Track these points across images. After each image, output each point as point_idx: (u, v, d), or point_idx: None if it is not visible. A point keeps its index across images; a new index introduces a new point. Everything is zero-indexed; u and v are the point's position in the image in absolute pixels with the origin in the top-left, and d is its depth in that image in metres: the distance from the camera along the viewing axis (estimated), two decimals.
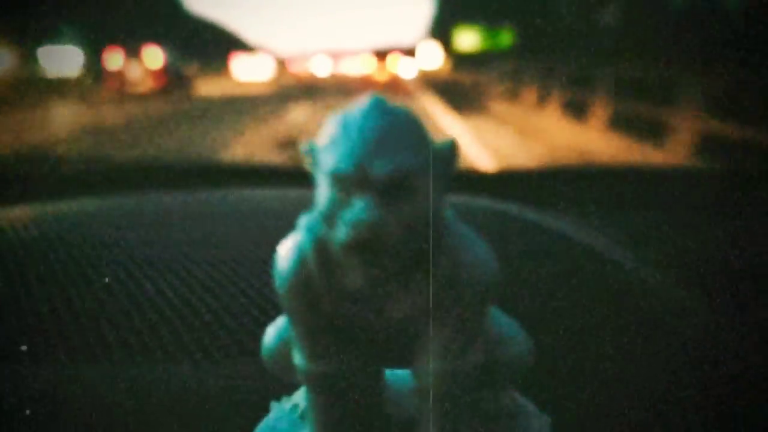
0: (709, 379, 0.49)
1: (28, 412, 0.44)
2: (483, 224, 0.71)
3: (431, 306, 0.33)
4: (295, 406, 0.39)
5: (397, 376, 0.39)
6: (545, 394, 0.41)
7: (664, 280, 0.67)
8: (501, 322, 0.37)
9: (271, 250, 0.34)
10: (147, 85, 7.10)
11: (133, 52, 7.19)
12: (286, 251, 0.33)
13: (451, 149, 0.32)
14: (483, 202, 0.84)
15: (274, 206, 0.78)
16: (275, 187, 0.89)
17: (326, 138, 0.31)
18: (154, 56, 7.20)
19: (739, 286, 0.67)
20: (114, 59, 7.22)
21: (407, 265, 0.31)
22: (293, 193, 0.80)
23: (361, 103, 0.31)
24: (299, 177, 0.34)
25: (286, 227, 0.34)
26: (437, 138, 0.32)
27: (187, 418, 0.44)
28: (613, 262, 0.69)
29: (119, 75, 7.20)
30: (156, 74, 7.16)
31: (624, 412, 0.45)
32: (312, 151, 0.31)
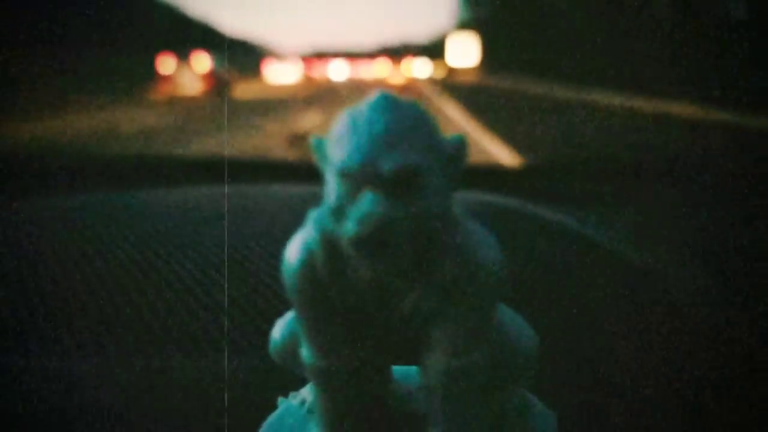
0: (721, 378, 0.47)
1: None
2: (498, 221, 0.68)
3: (439, 302, 0.31)
4: (303, 401, 0.37)
5: (404, 372, 0.37)
6: (553, 391, 0.38)
7: (673, 277, 0.63)
8: (509, 318, 0.35)
9: (280, 245, 0.32)
10: (195, 88, 7.22)
11: (183, 58, 7.32)
12: (294, 246, 0.32)
13: (460, 144, 0.30)
14: (500, 199, 0.81)
15: (283, 201, 0.76)
16: (285, 182, 0.86)
17: (335, 133, 0.29)
18: (202, 62, 7.33)
19: (752, 283, 0.64)
20: (167, 64, 7.35)
21: (415, 261, 0.30)
22: (303, 188, 0.78)
23: (369, 99, 0.29)
24: (309, 172, 0.32)
25: (294, 222, 0.32)
26: (447, 133, 0.30)
27: (194, 412, 0.42)
28: (625, 259, 0.66)
29: (171, 79, 7.33)
30: (204, 78, 7.29)
31: (632, 410, 0.43)
32: (320, 147, 0.30)
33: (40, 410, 0.43)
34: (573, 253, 0.66)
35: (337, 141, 0.29)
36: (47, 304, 0.55)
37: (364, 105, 0.29)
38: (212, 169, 1.10)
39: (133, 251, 0.63)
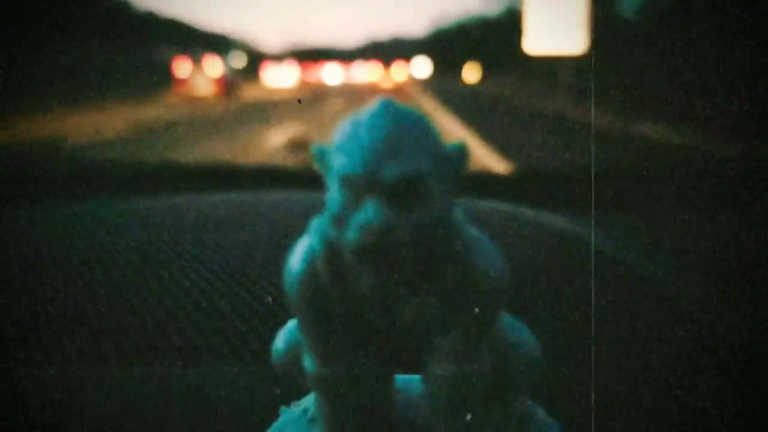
0: (714, 377, 0.45)
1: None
2: (493, 227, 0.67)
3: (441, 310, 0.29)
4: (305, 410, 0.36)
5: (406, 381, 0.35)
6: (555, 399, 0.37)
7: (674, 283, 0.61)
8: (511, 326, 0.33)
9: (282, 253, 0.31)
10: (208, 91, 7.24)
11: (197, 62, 7.34)
12: (296, 254, 0.30)
13: (461, 151, 0.28)
14: (494, 204, 0.79)
15: (285, 209, 0.74)
16: (287, 190, 0.85)
17: (336, 140, 0.28)
18: (214, 66, 7.35)
19: (745, 283, 0.62)
20: (183, 68, 7.37)
21: (417, 269, 0.28)
22: (305, 195, 0.76)
23: (371, 106, 0.28)
24: (311, 179, 0.31)
25: (297, 230, 0.31)
26: (448, 140, 0.29)
27: (196, 422, 0.40)
28: (623, 264, 0.64)
29: (186, 82, 7.35)
30: (216, 82, 7.32)
31: (636, 419, 0.41)
32: (322, 154, 0.29)
33: (39, 417, 0.41)
34: (576, 259, 0.64)
35: (338, 148, 0.28)
36: (47, 310, 0.53)
37: (365, 112, 0.28)
38: (215, 176, 1.08)
39: (133, 258, 0.61)
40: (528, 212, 0.76)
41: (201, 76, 7.33)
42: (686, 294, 0.60)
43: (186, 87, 7.27)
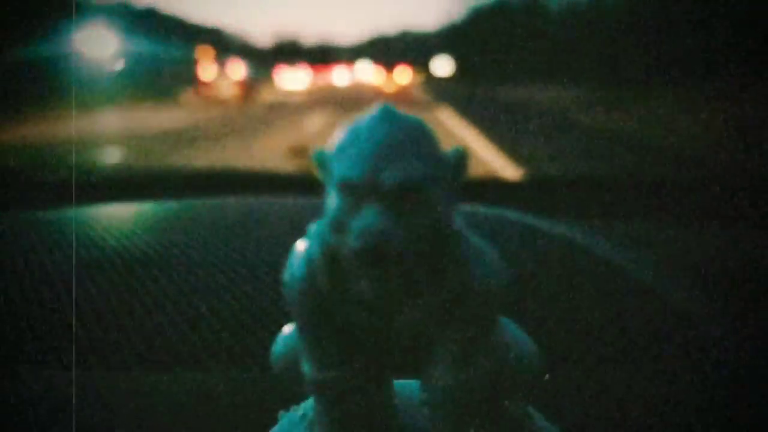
0: (713, 385, 0.44)
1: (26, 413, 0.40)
2: (493, 232, 0.66)
3: (440, 315, 0.29)
4: (304, 415, 0.35)
5: (405, 386, 0.35)
6: (553, 403, 0.36)
7: (671, 288, 0.60)
8: (510, 331, 0.32)
9: (282, 258, 0.30)
10: (231, 93, 7.33)
11: (221, 65, 7.43)
12: (295, 259, 0.30)
13: (460, 157, 0.28)
14: (493, 210, 0.78)
15: (285, 214, 0.73)
16: (287, 195, 0.84)
17: (336, 146, 0.27)
18: (237, 69, 7.43)
19: (739, 291, 0.60)
20: (208, 71, 7.45)
21: (416, 274, 0.28)
22: (304, 201, 0.75)
23: (371, 112, 0.28)
24: (310, 185, 0.30)
25: (296, 235, 0.30)
26: (448, 146, 0.28)
27: (195, 426, 0.40)
28: (620, 270, 0.62)
29: (211, 85, 7.43)
30: (239, 84, 7.41)
31: (632, 420, 0.40)
32: (322, 159, 0.28)
33: (38, 419, 0.41)
34: (575, 265, 0.62)
35: (338, 154, 0.27)
36: (47, 312, 0.53)
37: (365, 117, 0.27)
38: (217, 180, 1.08)
39: (133, 261, 0.61)
40: (527, 217, 0.75)
41: (224, 78, 7.42)
42: (683, 298, 0.59)
43: (209, 90, 7.36)
